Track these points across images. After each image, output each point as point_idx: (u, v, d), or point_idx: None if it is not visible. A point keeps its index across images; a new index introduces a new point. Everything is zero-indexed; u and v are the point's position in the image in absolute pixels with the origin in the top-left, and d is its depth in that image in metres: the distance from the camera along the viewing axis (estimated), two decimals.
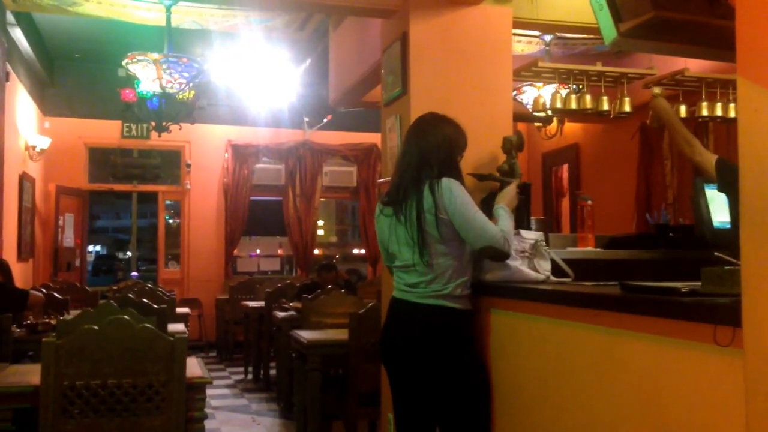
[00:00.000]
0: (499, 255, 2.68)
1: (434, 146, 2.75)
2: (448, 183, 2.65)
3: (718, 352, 1.62)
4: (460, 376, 2.69)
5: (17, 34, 7.17)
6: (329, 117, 9.63)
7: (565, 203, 8.54)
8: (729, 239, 2.42)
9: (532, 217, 4.21)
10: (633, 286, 2.05)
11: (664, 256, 4.00)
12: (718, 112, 5.27)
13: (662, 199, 6.59)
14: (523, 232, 2.96)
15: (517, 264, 2.79)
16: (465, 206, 2.63)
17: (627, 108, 5.12)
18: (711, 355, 1.65)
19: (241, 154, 9.84)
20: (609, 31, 2.31)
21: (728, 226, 2.72)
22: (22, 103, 7.96)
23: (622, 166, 7.24)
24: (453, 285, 2.67)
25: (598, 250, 4.30)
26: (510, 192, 2.97)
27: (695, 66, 5.25)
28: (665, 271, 2.95)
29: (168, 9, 5.97)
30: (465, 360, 2.71)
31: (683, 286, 1.84)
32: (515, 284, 2.74)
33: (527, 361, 2.55)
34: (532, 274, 2.82)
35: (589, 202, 4.21)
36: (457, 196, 2.63)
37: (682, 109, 5.34)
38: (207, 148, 9.79)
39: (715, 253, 2.20)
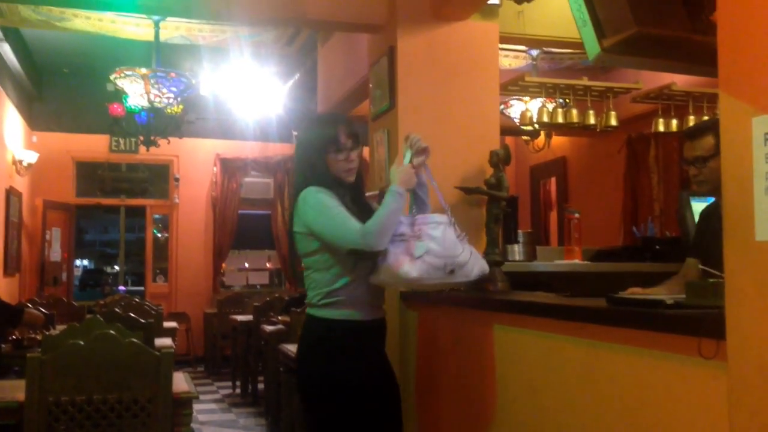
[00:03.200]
0: (367, 255, 2.40)
1: (296, 154, 2.64)
2: (303, 195, 2.47)
3: (702, 365, 1.63)
4: (325, 387, 2.48)
5: (5, 49, 7.16)
6: None
7: (553, 216, 8.58)
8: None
9: (519, 230, 4.24)
10: (618, 298, 2.06)
11: (651, 268, 4.02)
12: None
13: (649, 212, 6.63)
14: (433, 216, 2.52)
15: (388, 261, 2.42)
16: (319, 214, 2.42)
17: (613, 122, 5.18)
18: (695, 368, 1.66)
19: (230, 167, 9.83)
20: (592, 47, 2.34)
21: None
22: (10, 118, 7.93)
23: (609, 179, 7.29)
24: (316, 294, 2.49)
25: (585, 262, 4.33)
26: (404, 170, 2.48)
27: (682, 80, 5.31)
28: (651, 284, 2.96)
29: (156, 24, 5.98)
30: (331, 369, 2.47)
31: (668, 298, 1.85)
32: (505, 299, 2.76)
33: (516, 373, 2.55)
34: (401, 271, 2.38)
35: (576, 215, 4.24)
36: (310, 206, 2.44)
37: (672, 123, 5.41)
38: (195, 161, 9.77)
39: (700, 266, 2.21)
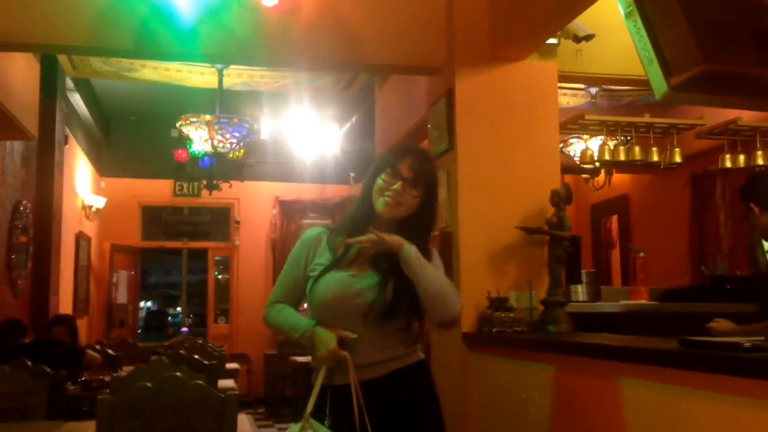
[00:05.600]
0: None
1: None
2: None
3: None
4: None
5: (76, 99, 7.48)
6: None
7: (615, 255, 8.39)
8: None
9: (583, 270, 4.17)
10: (692, 341, 1.99)
11: (722, 308, 3.88)
12: None
13: (717, 251, 6.43)
14: None
15: None
16: None
17: (677, 159, 5.08)
18: None
19: (288, 209, 9.98)
20: (659, 85, 2.29)
21: None
22: (80, 165, 8.25)
23: (674, 216, 7.11)
24: None
25: (653, 303, 4.21)
26: (324, 346, 2.29)
27: (748, 114, 5.19)
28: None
29: (220, 72, 6.18)
30: None
31: (746, 341, 1.78)
32: (570, 341, 2.70)
33: (585, 418, 2.48)
34: None
35: (642, 254, 4.15)
36: None
37: (740, 159, 5.28)
38: (255, 204, 9.96)
39: None
